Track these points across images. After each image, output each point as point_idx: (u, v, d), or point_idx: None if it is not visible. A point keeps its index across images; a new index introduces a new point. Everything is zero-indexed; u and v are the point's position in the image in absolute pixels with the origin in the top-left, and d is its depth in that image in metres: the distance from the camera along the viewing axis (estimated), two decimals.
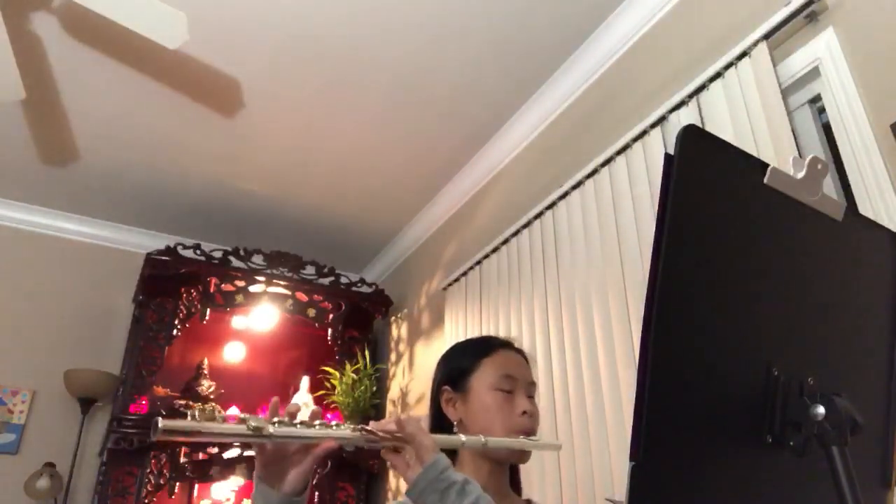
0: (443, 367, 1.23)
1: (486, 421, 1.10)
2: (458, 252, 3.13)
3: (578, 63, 2.43)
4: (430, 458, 0.91)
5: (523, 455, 1.14)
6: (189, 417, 0.77)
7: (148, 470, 2.88)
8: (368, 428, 0.92)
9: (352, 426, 0.92)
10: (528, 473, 2.00)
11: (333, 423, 0.92)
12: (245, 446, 2.99)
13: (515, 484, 1.19)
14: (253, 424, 0.81)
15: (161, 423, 0.75)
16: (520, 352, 1.23)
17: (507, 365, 1.17)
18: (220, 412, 3.07)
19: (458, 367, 1.19)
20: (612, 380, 1.84)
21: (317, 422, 0.90)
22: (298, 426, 0.87)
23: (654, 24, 2.15)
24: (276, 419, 0.86)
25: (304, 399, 3.32)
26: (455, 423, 1.14)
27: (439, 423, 1.16)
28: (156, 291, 3.23)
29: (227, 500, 3.21)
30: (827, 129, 1.64)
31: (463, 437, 1.03)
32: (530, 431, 1.12)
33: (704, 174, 0.60)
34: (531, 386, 1.18)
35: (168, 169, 3.14)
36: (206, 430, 0.78)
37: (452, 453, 1.10)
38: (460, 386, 1.16)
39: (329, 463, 3.15)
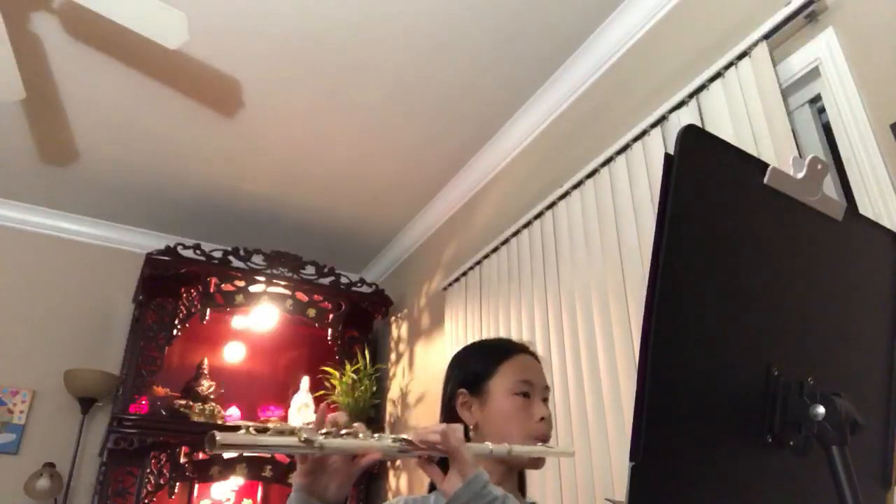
0: (458, 370, 1.21)
1: (505, 426, 1.10)
2: (458, 252, 3.13)
3: (578, 63, 2.43)
4: (471, 473, 0.91)
5: (539, 462, 1.13)
6: (243, 430, 0.79)
7: (148, 470, 2.89)
8: (409, 438, 0.92)
9: (393, 436, 0.92)
10: (529, 473, 2.00)
11: (377, 434, 0.92)
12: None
13: (521, 486, 1.20)
14: (304, 436, 0.82)
15: (218, 437, 0.76)
16: (535, 355, 1.23)
17: (525, 370, 1.16)
18: (219, 417, 3.05)
19: (475, 370, 1.18)
20: (612, 380, 1.84)
21: (360, 433, 0.90)
22: (345, 437, 0.88)
23: (655, 23, 2.15)
24: (324, 430, 0.87)
25: (304, 399, 3.32)
26: (471, 426, 1.14)
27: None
28: (156, 291, 3.23)
29: (227, 500, 3.21)
30: (827, 129, 1.64)
31: (491, 446, 1.02)
32: (547, 437, 1.13)
33: (704, 174, 0.60)
34: (546, 390, 1.18)
35: (168, 169, 3.14)
36: (260, 443, 0.80)
37: None
38: (477, 389, 1.15)
39: None
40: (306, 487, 0.92)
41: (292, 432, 0.82)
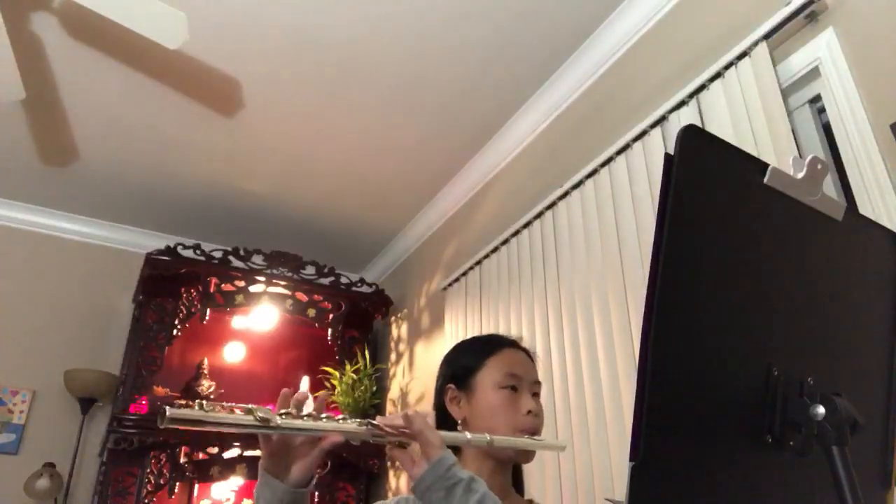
0: (447, 366, 1.21)
1: (491, 420, 1.09)
2: (458, 252, 3.13)
3: (578, 63, 2.43)
4: (436, 455, 0.90)
5: (527, 455, 1.13)
6: (197, 407, 0.77)
7: (148, 470, 2.89)
8: (375, 422, 0.91)
9: (358, 420, 0.91)
10: (529, 473, 2.00)
11: (340, 416, 0.91)
12: (246, 445, 3.00)
13: (518, 484, 1.19)
14: (260, 415, 0.81)
15: (168, 411, 0.74)
16: (525, 350, 1.22)
17: (512, 363, 1.16)
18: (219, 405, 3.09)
19: (462, 365, 1.18)
20: (612, 379, 1.84)
21: (323, 415, 0.90)
22: (305, 419, 0.87)
23: (655, 24, 2.15)
24: (283, 411, 0.86)
25: None
26: (459, 421, 1.13)
27: (444, 421, 1.15)
28: (156, 291, 3.23)
29: (227, 500, 3.21)
30: (827, 129, 1.64)
31: (468, 435, 1.02)
32: (535, 431, 1.11)
33: (704, 174, 0.60)
34: (536, 385, 1.17)
35: (168, 169, 3.14)
36: (214, 419, 0.78)
37: (456, 451, 1.09)
38: (465, 384, 1.15)
39: (329, 463, 3.15)
40: (269, 469, 0.93)
41: (249, 411, 0.81)
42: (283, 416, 0.85)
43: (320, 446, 0.94)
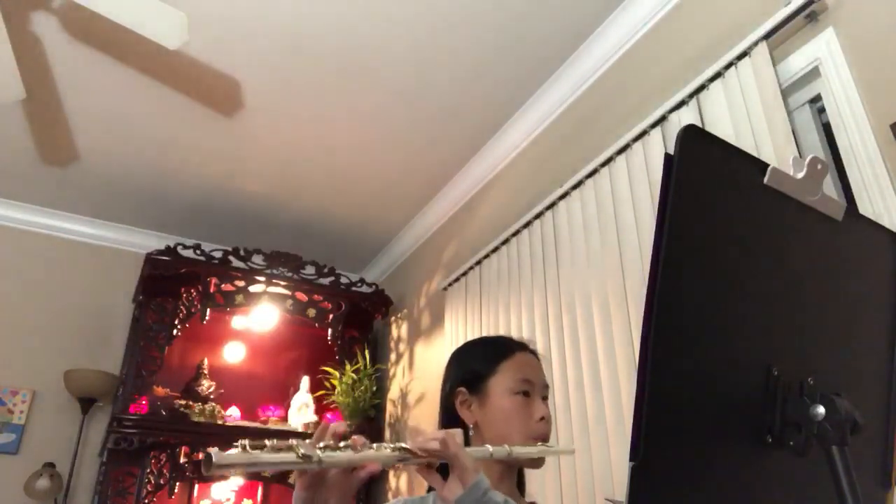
0: (457, 368, 1.20)
1: (505, 426, 1.10)
2: (458, 252, 3.13)
3: (578, 63, 2.43)
4: (472, 479, 0.90)
5: (538, 461, 1.13)
6: (239, 448, 0.77)
7: (148, 470, 2.89)
8: (408, 447, 0.91)
9: (391, 445, 0.91)
10: (529, 473, 2.00)
11: (375, 444, 0.91)
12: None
13: (521, 486, 1.19)
14: (302, 452, 0.82)
15: (215, 457, 0.75)
16: (535, 354, 1.22)
17: (524, 368, 1.15)
18: (219, 417, 3.04)
19: (474, 368, 1.17)
20: (612, 380, 1.84)
21: (359, 445, 0.89)
22: (343, 449, 0.87)
23: (655, 24, 2.15)
24: (322, 443, 0.85)
25: (304, 399, 3.32)
26: (471, 425, 1.13)
27: (451, 423, 1.14)
28: (156, 291, 3.23)
29: (227, 500, 3.21)
30: (827, 129, 1.64)
31: (490, 449, 1.02)
32: (547, 437, 1.12)
33: (704, 174, 0.60)
34: (545, 389, 1.17)
35: (168, 169, 3.14)
36: (258, 460, 0.79)
37: None
38: (477, 388, 1.15)
39: None
40: (307, 501, 0.91)
41: (290, 448, 0.81)
42: (323, 450, 0.84)
43: (358, 476, 0.92)
